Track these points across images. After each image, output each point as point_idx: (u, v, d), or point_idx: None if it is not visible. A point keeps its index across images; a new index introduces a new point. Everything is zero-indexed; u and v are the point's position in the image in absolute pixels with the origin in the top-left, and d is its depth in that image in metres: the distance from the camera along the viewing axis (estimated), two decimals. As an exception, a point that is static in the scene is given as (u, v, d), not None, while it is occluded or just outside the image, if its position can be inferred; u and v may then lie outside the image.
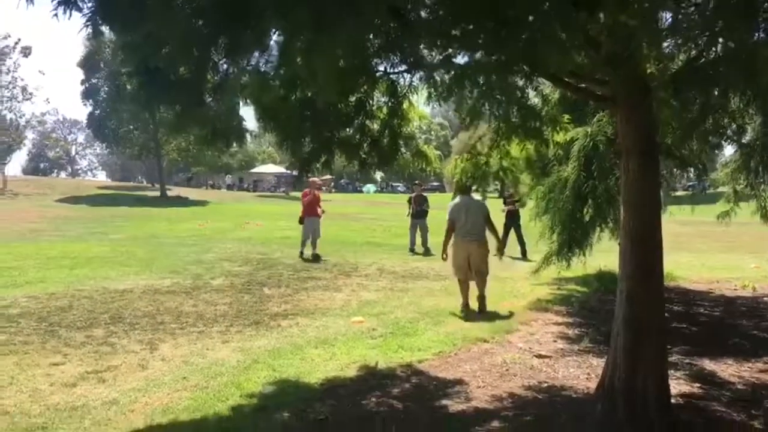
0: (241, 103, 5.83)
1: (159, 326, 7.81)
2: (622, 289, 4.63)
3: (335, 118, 5.45)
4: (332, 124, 5.53)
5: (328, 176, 62.42)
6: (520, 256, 14.70)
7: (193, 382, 5.67)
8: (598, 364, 6.10)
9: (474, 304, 8.66)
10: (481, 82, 6.00)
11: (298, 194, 16.07)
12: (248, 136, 5.80)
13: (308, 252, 14.43)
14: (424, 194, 17.66)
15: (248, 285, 10.77)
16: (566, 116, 6.30)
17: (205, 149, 43.34)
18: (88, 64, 41.97)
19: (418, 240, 16.28)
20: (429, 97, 6.10)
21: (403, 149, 6.38)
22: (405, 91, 6.03)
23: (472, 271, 8.66)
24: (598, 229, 8.35)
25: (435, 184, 67.12)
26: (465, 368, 6.07)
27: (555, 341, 7.07)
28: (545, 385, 5.55)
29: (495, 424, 4.65)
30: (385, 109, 6.07)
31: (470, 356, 6.49)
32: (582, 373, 5.87)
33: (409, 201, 17.23)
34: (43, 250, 15.38)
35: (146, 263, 13.24)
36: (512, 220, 15.33)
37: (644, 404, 4.48)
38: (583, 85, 5.06)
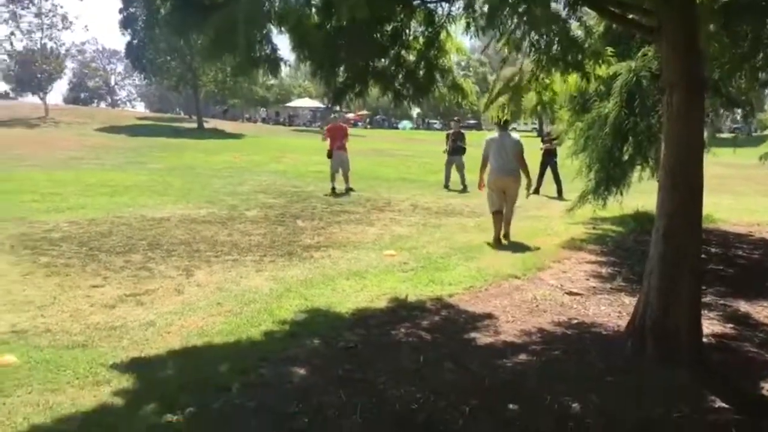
0: (275, 31, 5.73)
1: (195, 254, 7.97)
2: (658, 227, 4.54)
3: (370, 48, 5.33)
4: (367, 54, 5.41)
5: (364, 112, 62.04)
6: (555, 195, 14.52)
7: (227, 308, 5.81)
8: (630, 302, 6.07)
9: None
10: (522, 11, 5.82)
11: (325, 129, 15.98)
12: (283, 65, 5.71)
13: (340, 186, 14.47)
14: (462, 131, 17.40)
15: (282, 217, 10.87)
16: (610, 49, 6.04)
17: (241, 79, 43.32)
18: (126, -8, 41.73)
19: (455, 177, 16.13)
20: (467, 27, 5.93)
21: (439, 82, 6.25)
22: (443, 21, 5.87)
23: (507, 199, 9.10)
24: (639, 167, 8.16)
25: (472, 121, 66.19)
26: (495, 303, 6.09)
27: (587, 279, 7.03)
28: (575, 321, 5.55)
29: (523, 357, 4.68)
30: (421, 40, 5.92)
31: (500, 292, 6.49)
32: (613, 311, 5.85)
33: (447, 137, 17.02)
34: (83, 178, 15.70)
35: (183, 193, 13.44)
36: (549, 158, 15.08)
37: (675, 343, 4.46)
38: (630, 16, 4.84)
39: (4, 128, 32.60)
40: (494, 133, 9.33)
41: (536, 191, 14.25)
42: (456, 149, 16.24)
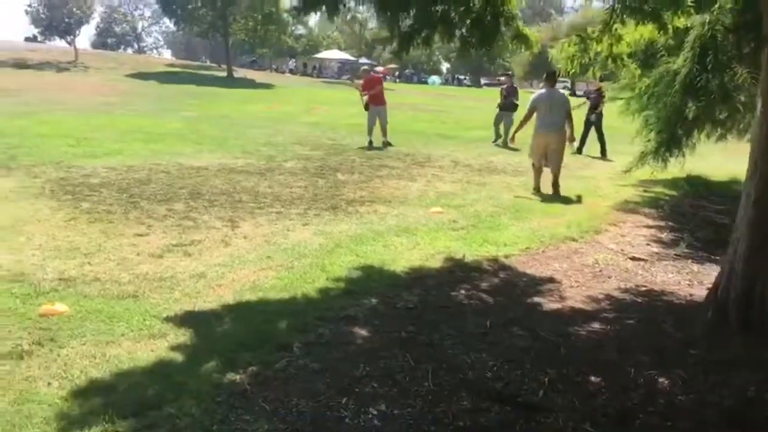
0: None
1: (237, 204, 7.77)
2: (749, 191, 4.21)
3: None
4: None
5: (392, 65, 61.06)
6: (599, 155, 14.07)
7: (278, 262, 5.60)
8: (698, 270, 5.79)
9: (546, 189, 9.28)
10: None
11: (360, 81, 15.54)
12: (342, 6, 5.37)
13: (377, 140, 14.15)
14: (515, 86, 16.77)
15: (321, 169, 10.61)
16: (691, -2, 5.60)
17: (272, 28, 42.62)
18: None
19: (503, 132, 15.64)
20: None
21: (504, 30, 5.87)
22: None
23: (547, 159, 9.31)
24: (706, 128, 7.73)
25: (502, 77, 64.84)
26: (555, 266, 5.82)
27: (648, 244, 6.71)
28: (643, 288, 5.26)
29: (595, 325, 4.42)
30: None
31: (559, 254, 6.21)
32: (682, 279, 5.55)
33: (501, 92, 16.44)
34: (117, 123, 15.58)
35: (218, 142, 13.23)
36: (594, 116, 14.53)
37: (761, 315, 4.16)
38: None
39: (34, 72, 32.61)
40: (542, 90, 9.69)
41: (579, 151, 13.81)
42: (507, 105, 15.69)
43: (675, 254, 6.30)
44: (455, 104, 29.85)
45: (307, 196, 8.51)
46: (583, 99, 15.20)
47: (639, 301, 4.98)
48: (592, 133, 14.43)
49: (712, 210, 8.48)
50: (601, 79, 13.05)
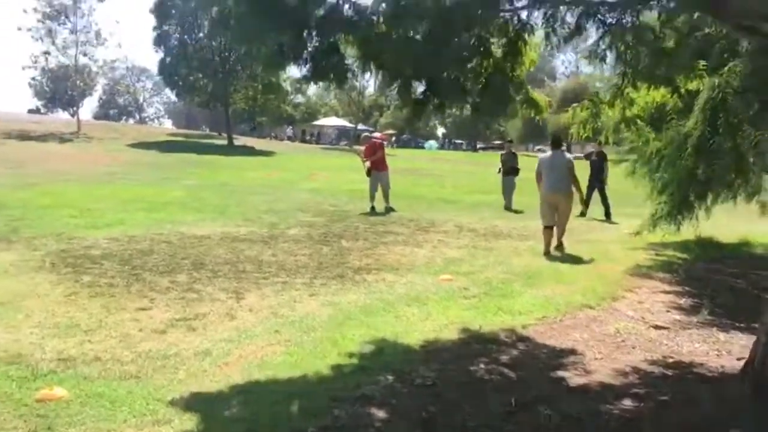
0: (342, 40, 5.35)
1: (241, 274, 7.57)
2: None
3: (450, 57, 4.90)
4: (446, 64, 4.99)
5: (390, 131, 61.88)
6: (603, 217, 13.96)
7: (286, 336, 5.37)
8: (725, 339, 5.55)
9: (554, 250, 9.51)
10: (611, 21, 5.38)
11: (361, 147, 15.59)
12: (351, 77, 5.32)
13: (380, 206, 14.06)
14: (513, 151, 16.87)
15: (325, 236, 10.46)
16: (702, 62, 5.59)
17: (272, 97, 43.35)
18: (161, 10, 42.11)
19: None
20: (547, 38, 5.51)
21: (514, 95, 5.82)
22: (522, 29, 5.45)
23: (559, 216, 9.55)
24: (723, 191, 7.61)
25: (497, 142, 65.86)
26: (575, 336, 5.58)
27: (668, 311, 6.49)
28: (671, 360, 5.01)
29: (627, 402, 4.16)
30: (499, 51, 5.51)
31: (577, 323, 5.98)
32: (710, 349, 5.30)
33: (500, 158, 16.50)
34: (119, 193, 15.51)
35: (220, 210, 13.13)
36: (597, 178, 14.48)
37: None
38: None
39: (37, 143, 32.83)
40: (547, 153, 10.13)
41: (583, 213, 13.72)
42: (509, 170, 15.71)
43: (698, 322, 6.07)
44: (453, 168, 29.96)
45: (313, 264, 8.32)
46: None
47: (669, 374, 4.72)
48: (596, 196, 14.36)
49: (728, 273, 8.28)
50: (600, 143, 13.09)
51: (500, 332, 5.64)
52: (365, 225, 11.87)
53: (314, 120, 68.70)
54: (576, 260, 8.92)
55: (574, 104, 5.92)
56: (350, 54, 5.19)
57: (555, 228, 9.53)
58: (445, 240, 10.57)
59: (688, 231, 8.95)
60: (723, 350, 5.24)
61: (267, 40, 4.59)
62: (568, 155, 10.13)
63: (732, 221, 11.05)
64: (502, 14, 5.39)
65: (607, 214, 14.08)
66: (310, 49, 5.13)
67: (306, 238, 10.29)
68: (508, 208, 15.24)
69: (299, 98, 69.40)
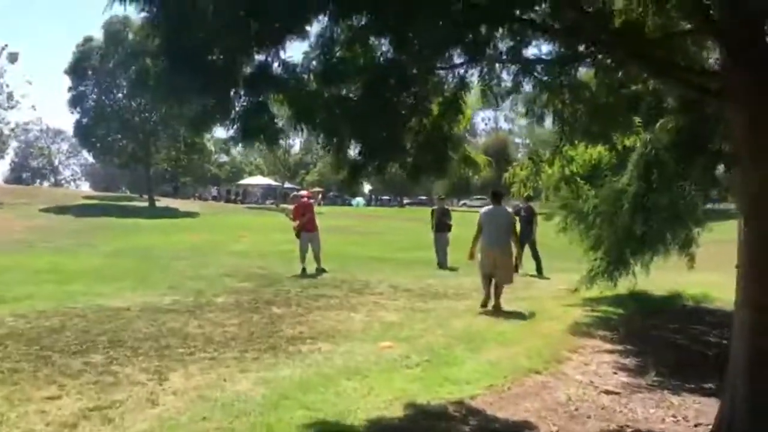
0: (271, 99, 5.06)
1: (164, 351, 6.95)
2: (743, 318, 3.88)
3: (388, 117, 4.68)
4: (384, 123, 4.75)
5: (316, 189, 61.82)
6: (534, 272, 13.99)
7: (215, 424, 4.82)
8: (679, 403, 5.39)
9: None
10: (546, 78, 5.32)
11: (289, 206, 15.26)
12: (282, 137, 5.02)
13: (311, 267, 13.64)
14: (446, 207, 16.86)
15: (255, 303, 9.92)
16: (637, 119, 5.58)
17: (195, 157, 42.59)
18: (76, 71, 40.96)
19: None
20: (483, 94, 5.40)
21: (452, 154, 5.65)
22: (459, 87, 5.32)
23: (497, 268, 9.43)
24: (661, 247, 7.62)
25: (423, 197, 67.04)
26: (526, 406, 5.29)
27: (615, 373, 6.31)
28: (629, 429, 4.78)
29: (593, 483, 3.87)
30: (435, 108, 5.34)
31: (527, 391, 5.70)
32: (665, 415, 5.10)
33: (432, 214, 16.38)
34: (28, 263, 14.49)
35: (141, 278, 12.36)
36: (527, 233, 14.53)
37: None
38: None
39: (-61, 209, 30.82)
40: (489, 207, 10.10)
41: (516, 268, 13.68)
42: (441, 226, 15.60)
43: (647, 384, 5.90)
44: (383, 225, 29.93)
45: (243, 335, 7.78)
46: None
47: (629, 445, 4.48)
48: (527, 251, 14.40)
49: (666, 329, 8.26)
50: (528, 198, 13.22)
51: (448, 405, 5.28)
52: (297, 289, 11.40)
53: (239, 179, 67.93)
54: (515, 318, 8.76)
55: (515, 163, 5.82)
56: (281, 113, 4.89)
57: (493, 280, 9.44)
58: (381, 302, 10.23)
59: (622, 285, 9.00)
60: (678, 415, 5.06)
61: (191, 100, 4.23)
62: (508, 210, 10.35)
63: (661, 274, 11.18)
64: (437, 72, 5.26)
65: (539, 269, 14.13)
66: (238, 108, 4.83)
67: (235, 305, 9.72)
68: (441, 265, 15.11)
69: (224, 157, 68.59)
